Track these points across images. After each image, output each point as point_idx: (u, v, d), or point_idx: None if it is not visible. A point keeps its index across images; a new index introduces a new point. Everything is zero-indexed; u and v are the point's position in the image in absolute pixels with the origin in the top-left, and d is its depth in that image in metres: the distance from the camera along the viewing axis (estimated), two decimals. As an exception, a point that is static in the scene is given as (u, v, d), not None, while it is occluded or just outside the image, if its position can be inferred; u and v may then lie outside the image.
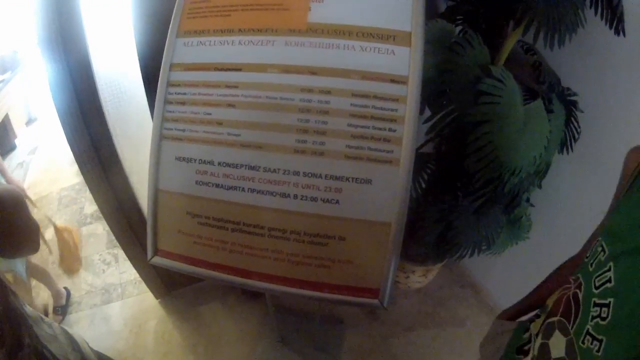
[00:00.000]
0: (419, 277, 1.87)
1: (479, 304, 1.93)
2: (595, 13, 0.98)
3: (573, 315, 0.52)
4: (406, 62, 0.81)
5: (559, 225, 1.44)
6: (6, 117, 3.02)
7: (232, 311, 1.93)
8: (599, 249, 0.51)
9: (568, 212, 1.40)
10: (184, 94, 0.94)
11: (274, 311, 1.65)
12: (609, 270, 0.47)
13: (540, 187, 1.26)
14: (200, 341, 1.83)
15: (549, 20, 0.93)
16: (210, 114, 0.91)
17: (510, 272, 1.75)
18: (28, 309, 0.67)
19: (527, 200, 1.41)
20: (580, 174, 1.31)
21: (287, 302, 1.90)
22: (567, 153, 1.22)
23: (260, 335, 1.82)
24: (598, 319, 0.46)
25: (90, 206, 2.66)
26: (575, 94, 1.17)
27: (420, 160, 1.32)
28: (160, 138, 0.95)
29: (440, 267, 1.87)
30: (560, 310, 0.55)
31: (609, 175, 1.20)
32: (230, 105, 0.89)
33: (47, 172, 3.16)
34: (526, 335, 0.64)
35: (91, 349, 0.86)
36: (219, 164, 0.89)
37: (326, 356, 1.73)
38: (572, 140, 1.20)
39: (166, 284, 1.96)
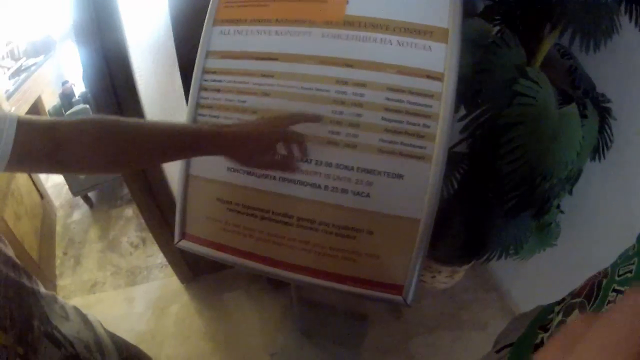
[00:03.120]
0: (445, 278, 1.85)
1: (502, 309, 1.89)
2: (630, 19, 0.96)
3: (593, 298, 0.53)
4: (442, 58, 0.80)
5: (588, 233, 1.41)
6: (38, 99, 3.10)
7: (256, 300, 1.95)
8: (631, 247, 0.53)
9: (597, 220, 1.36)
10: (220, 81, 0.95)
11: (298, 303, 1.66)
12: (633, 264, 0.49)
13: (571, 193, 1.23)
14: (221, 328, 1.85)
15: (584, 24, 0.91)
16: (244, 101, 0.92)
17: (536, 280, 1.71)
18: (42, 290, 0.68)
19: (558, 206, 1.38)
20: (612, 183, 1.28)
21: (311, 295, 1.91)
22: (599, 160, 1.19)
23: (281, 326, 1.83)
24: (612, 304, 0.48)
25: (121, 189, 2.73)
26: (609, 101, 1.14)
27: (454, 160, 1.31)
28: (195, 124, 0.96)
29: (466, 269, 1.84)
30: (585, 292, 0.57)
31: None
32: (266, 94, 0.90)
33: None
34: (550, 316, 0.64)
35: (105, 330, 0.87)
36: (252, 151, 0.90)
37: (346, 351, 1.73)
38: (605, 148, 1.17)
39: (192, 269, 2.00)
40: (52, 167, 0.62)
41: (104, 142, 0.62)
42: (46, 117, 0.64)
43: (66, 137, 0.58)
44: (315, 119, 0.84)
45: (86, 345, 0.72)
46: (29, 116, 0.56)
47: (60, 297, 0.75)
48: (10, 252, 0.62)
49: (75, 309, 0.79)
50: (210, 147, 0.74)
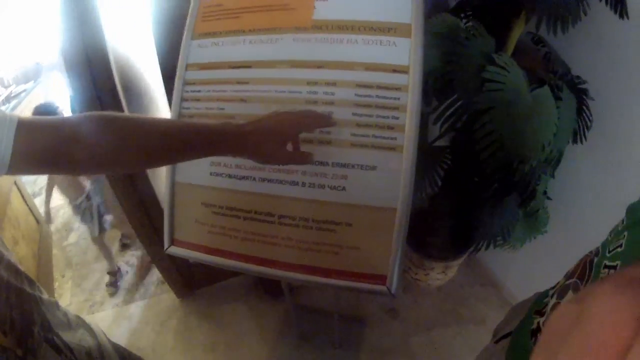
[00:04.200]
0: (439, 275, 1.86)
1: (500, 301, 1.91)
2: (600, -1, 0.99)
3: (586, 277, 0.53)
4: (407, 52, 0.83)
5: (578, 218, 1.42)
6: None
7: (253, 311, 1.96)
8: (620, 221, 0.53)
9: (586, 203, 1.38)
10: (199, 91, 0.99)
11: (295, 309, 1.67)
12: (623, 238, 0.48)
13: (553, 176, 1.25)
14: (221, 340, 1.86)
15: (550, 8, 0.94)
16: (223, 108, 0.95)
17: (531, 269, 1.73)
18: (44, 297, 0.70)
19: (544, 193, 1.40)
20: (597, 164, 1.30)
21: (307, 301, 1.92)
22: (581, 143, 1.21)
23: (281, 334, 1.84)
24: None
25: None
26: (584, 82, 1.17)
27: (436, 154, 1.34)
28: (177, 133, 0.99)
29: (459, 263, 1.86)
30: (577, 273, 0.57)
31: (624, 163, 1.19)
32: (242, 100, 0.94)
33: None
34: (546, 300, 0.65)
35: (109, 340, 0.88)
36: (231, 155, 0.93)
37: (346, 354, 1.74)
38: (585, 129, 1.19)
39: (188, 284, 2.01)
40: (61, 167, 0.59)
41: (120, 136, 0.59)
42: (51, 117, 0.60)
43: (75, 134, 0.54)
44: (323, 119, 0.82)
45: (87, 352, 0.73)
46: (31, 117, 0.53)
47: (62, 305, 0.77)
48: (12, 258, 0.64)
49: (78, 317, 0.80)
50: (234, 145, 0.70)
